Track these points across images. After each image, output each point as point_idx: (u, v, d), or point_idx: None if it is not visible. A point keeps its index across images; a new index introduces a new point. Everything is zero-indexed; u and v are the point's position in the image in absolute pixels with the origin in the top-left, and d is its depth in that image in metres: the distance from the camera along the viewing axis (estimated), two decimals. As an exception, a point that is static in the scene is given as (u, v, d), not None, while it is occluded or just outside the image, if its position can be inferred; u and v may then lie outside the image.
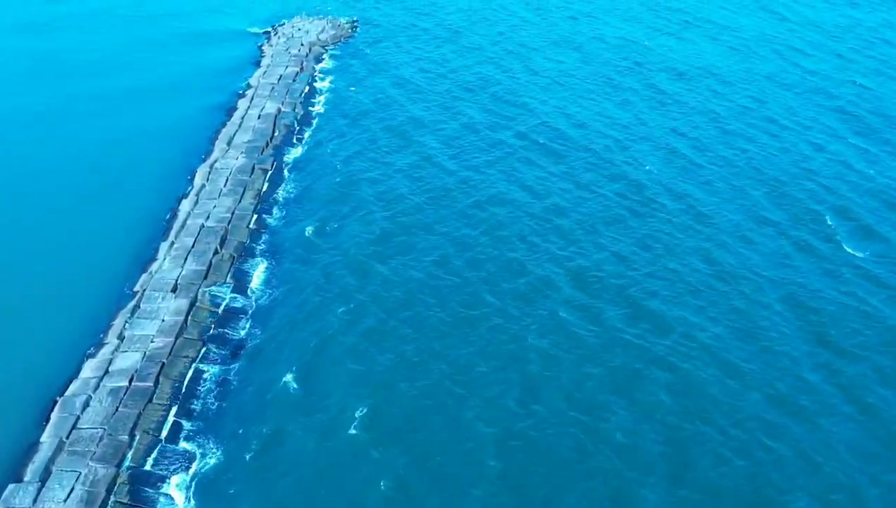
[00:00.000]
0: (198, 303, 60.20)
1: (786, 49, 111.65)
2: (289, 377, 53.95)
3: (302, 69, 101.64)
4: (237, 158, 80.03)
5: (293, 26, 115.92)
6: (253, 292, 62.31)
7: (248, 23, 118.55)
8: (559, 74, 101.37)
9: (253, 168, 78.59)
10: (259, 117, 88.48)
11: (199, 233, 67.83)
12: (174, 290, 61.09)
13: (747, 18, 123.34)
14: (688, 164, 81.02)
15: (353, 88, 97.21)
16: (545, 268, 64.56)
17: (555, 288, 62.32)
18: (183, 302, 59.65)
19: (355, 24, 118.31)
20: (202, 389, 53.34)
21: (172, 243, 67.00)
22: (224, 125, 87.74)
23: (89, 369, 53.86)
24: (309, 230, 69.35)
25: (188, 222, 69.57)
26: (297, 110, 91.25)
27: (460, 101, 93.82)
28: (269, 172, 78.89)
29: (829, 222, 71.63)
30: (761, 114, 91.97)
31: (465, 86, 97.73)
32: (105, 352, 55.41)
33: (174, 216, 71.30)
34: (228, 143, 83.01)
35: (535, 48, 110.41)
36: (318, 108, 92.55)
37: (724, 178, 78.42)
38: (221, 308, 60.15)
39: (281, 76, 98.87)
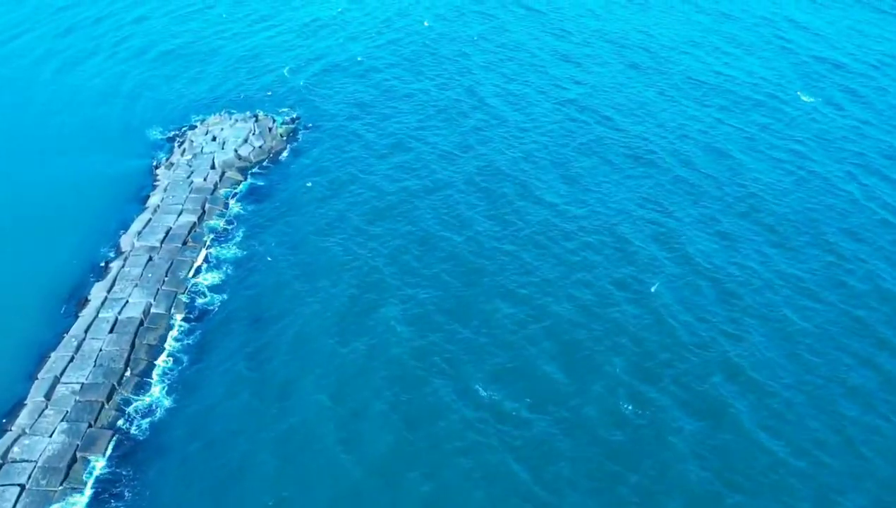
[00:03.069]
0: None
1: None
2: None
3: (202, 216, 69.11)
4: (52, 434, 47.91)
5: (208, 130, 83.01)
6: None
7: (151, 120, 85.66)
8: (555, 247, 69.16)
9: (72, 460, 46.41)
10: (112, 329, 56.08)
11: None
12: None
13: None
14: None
15: (269, 258, 64.54)
16: None
17: None
18: None
19: (293, 124, 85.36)
20: None
21: None
22: (60, 341, 55.43)
23: None
24: None
25: None
26: (174, 311, 58.78)
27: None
28: (99, 467, 46.68)
29: None
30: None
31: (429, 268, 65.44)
32: None
33: None
34: (48, 394, 50.74)
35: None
36: (213, 305, 59.84)
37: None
38: None
39: (168, 232, 66.36)
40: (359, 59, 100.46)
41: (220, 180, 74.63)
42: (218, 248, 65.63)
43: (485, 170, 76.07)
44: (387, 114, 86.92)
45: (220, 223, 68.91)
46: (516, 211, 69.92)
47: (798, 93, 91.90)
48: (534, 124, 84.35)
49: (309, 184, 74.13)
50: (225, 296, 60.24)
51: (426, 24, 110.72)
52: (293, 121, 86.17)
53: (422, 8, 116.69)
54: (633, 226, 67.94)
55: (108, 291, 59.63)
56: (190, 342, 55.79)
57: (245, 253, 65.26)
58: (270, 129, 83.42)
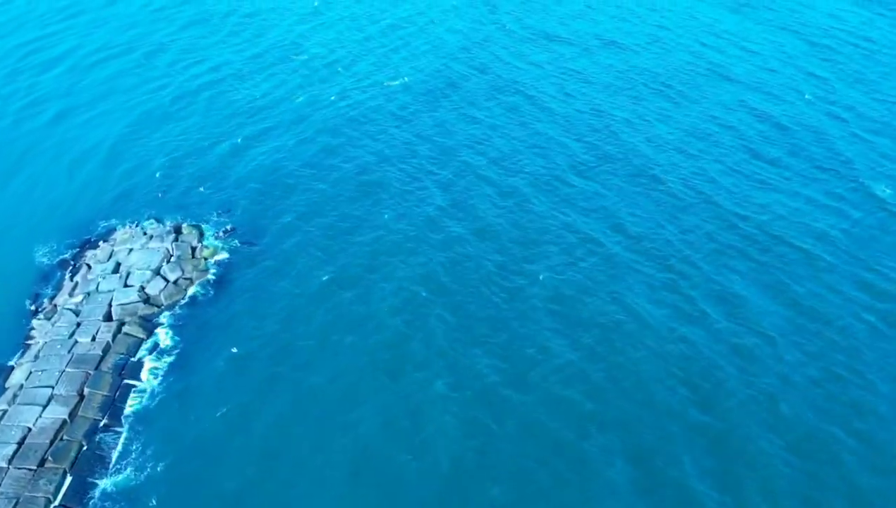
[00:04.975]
0: None
1: None
2: None
3: (78, 408, 48.81)
4: None
5: (112, 252, 62.61)
6: None
7: (39, 232, 65.27)
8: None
9: None
10: None
11: None
12: None
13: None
14: None
15: (154, 504, 44.11)
16: None
17: None
18: None
19: (225, 240, 64.76)
20: None
21: None
22: None
23: None
24: None
25: None
26: None
27: None
28: None
29: None
30: None
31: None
32: None
33: None
34: None
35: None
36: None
37: None
38: None
39: (23, 442, 46.08)
40: (316, 135, 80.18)
41: (115, 340, 54.16)
42: (92, 473, 45.25)
43: (448, 362, 52.81)
44: (336, 230, 65.84)
45: (102, 420, 48.52)
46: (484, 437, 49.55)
47: (867, 184, 72.06)
48: (514, 265, 62.06)
49: (234, 350, 53.77)
50: (85, 573, 40.06)
51: (389, 84, 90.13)
52: (226, 233, 65.56)
53: (381, 49, 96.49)
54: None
55: (-90, 568, 39.40)
56: None
57: (130, 477, 44.96)
58: (194, 251, 62.94)
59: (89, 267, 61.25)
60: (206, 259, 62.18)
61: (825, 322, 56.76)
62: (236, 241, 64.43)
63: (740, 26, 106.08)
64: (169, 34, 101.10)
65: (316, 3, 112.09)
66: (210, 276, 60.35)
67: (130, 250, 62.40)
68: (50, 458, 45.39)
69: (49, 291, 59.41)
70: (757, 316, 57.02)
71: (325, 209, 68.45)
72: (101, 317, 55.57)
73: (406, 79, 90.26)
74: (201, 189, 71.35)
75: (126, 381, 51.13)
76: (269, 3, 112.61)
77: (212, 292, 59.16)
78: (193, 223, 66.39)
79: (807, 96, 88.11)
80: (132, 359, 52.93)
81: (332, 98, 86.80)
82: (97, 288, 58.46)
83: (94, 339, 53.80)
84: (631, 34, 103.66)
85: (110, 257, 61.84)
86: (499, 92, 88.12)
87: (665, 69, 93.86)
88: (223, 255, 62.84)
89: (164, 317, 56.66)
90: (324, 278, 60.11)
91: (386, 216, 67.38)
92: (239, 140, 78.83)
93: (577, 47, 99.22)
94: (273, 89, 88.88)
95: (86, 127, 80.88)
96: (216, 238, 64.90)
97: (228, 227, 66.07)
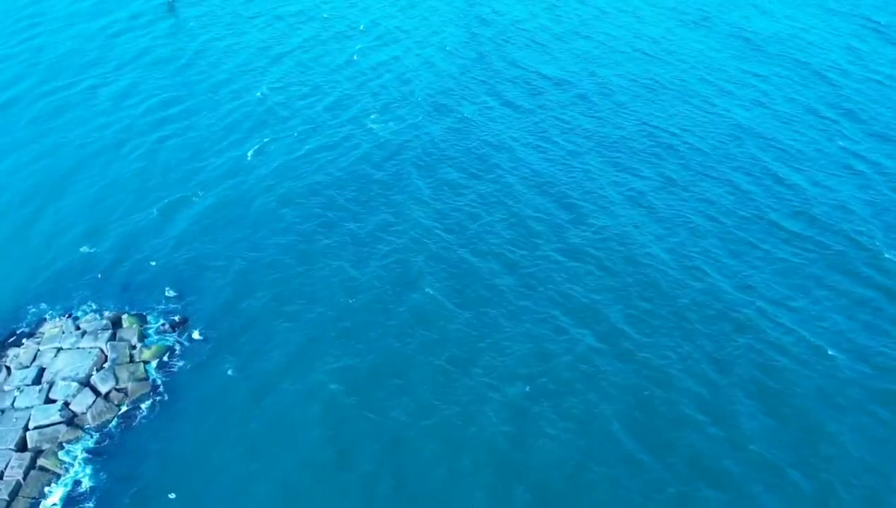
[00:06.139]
0: None
1: None
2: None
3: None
4: None
5: (38, 352, 53.68)
6: None
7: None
8: None
9: None
10: None
11: None
12: None
13: None
14: None
15: None
16: None
17: None
18: None
19: (174, 335, 55.78)
20: None
21: None
22: None
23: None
24: None
25: None
26: None
27: None
28: None
29: None
30: None
31: None
32: None
33: None
34: None
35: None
36: None
37: None
38: None
39: None
40: (274, 185, 71.69)
41: (26, 478, 45.48)
42: None
43: None
44: (290, 316, 57.48)
45: None
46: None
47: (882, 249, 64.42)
48: (487, 384, 53.19)
49: (172, 496, 45.15)
50: None
51: (356, 128, 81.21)
52: (174, 327, 56.50)
53: (349, 84, 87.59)
54: None
55: None
56: None
57: None
58: (133, 350, 54.03)
59: (9, 371, 52.37)
60: (145, 363, 53.29)
61: (861, 460, 48.84)
62: (184, 338, 55.55)
63: (745, 60, 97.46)
64: (123, 63, 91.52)
65: (294, 26, 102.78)
66: (147, 389, 51.46)
67: (59, 350, 53.52)
68: None
69: (-44, 408, 50.42)
70: (773, 453, 49.03)
71: (279, 289, 59.90)
72: (13, 446, 46.88)
73: (374, 126, 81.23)
74: (153, 263, 62.40)
75: (34, 538, 42.52)
76: (239, 26, 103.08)
77: (147, 409, 50.40)
78: (135, 313, 57.40)
79: (821, 141, 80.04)
80: (44, 503, 44.24)
81: (292, 144, 78.04)
82: (13, 403, 49.65)
83: (1, 477, 45.08)
84: (623, 64, 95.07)
85: (34, 359, 52.91)
86: (475, 146, 79.01)
87: (665, 114, 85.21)
88: (166, 357, 53.96)
89: (89, 443, 47.92)
90: (283, 387, 51.95)
91: (351, 302, 58.89)
92: (192, 194, 69.99)
93: (567, 88, 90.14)
94: (229, 131, 79.85)
95: (17, 176, 71.81)
96: (160, 332, 55.99)
97: (176, 318, 57.08)
